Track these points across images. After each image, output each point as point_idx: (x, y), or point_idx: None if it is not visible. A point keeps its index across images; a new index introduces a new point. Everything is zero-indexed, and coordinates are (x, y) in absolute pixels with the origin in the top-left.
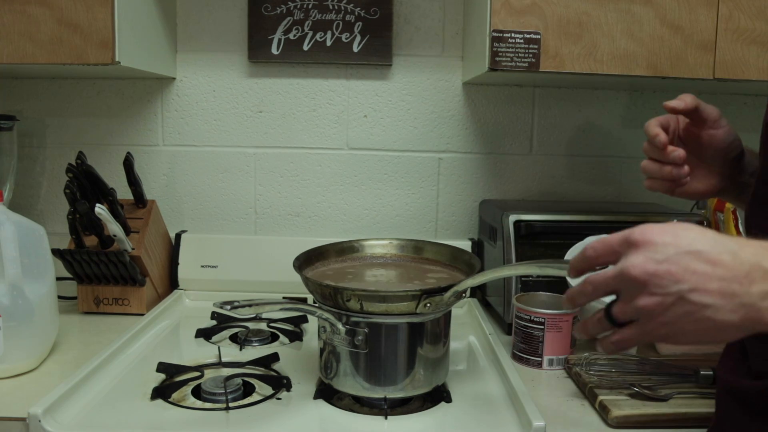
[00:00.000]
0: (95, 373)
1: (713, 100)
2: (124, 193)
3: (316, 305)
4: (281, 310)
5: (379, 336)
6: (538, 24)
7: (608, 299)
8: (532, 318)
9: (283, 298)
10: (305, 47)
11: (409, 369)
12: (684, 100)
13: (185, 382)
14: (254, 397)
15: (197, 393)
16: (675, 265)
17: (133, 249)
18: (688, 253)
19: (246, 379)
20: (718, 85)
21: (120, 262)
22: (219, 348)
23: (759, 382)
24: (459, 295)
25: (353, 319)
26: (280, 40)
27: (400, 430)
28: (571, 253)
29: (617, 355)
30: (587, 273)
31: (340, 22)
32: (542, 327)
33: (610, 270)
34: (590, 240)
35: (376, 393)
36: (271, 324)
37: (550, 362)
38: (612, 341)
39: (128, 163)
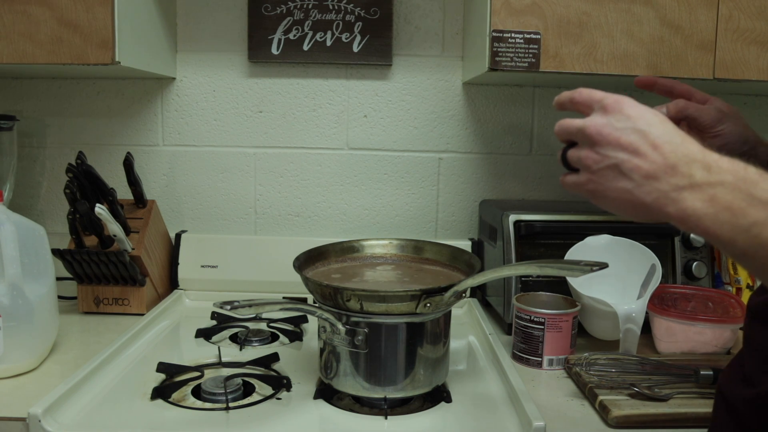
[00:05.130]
0: (95, 373)
1: None
2: (124, 193)
3: (316, 305)
4: (281, 310)
5: (379, 336)
6: (538, 24)
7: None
8: (532, 318)
9: (283, 298)
10: (305, 47)
11: (409, 369)
12: (669, 110)
13: (185, 382)
14: (254, 397)
15: (197, 393)
16: (624, 136)
17: (133, 249)
18: (638, 131)
19: (246, 379)
20: (718, 85)
21: (120, 262)
22: (219, 348)
23: (750, 390)
24: (459, 295)
25: (353, 319)
26: (280, 40)
27: (400, 430)
28: (571, 254)
29: (617, 355)
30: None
31: (340, 22)
32: (542, 327)
33: (577, 121)
34: (590, 240)
35: (376, 393)
36: (271, 324)
37: (550, 362)
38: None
39: (128, 163)
